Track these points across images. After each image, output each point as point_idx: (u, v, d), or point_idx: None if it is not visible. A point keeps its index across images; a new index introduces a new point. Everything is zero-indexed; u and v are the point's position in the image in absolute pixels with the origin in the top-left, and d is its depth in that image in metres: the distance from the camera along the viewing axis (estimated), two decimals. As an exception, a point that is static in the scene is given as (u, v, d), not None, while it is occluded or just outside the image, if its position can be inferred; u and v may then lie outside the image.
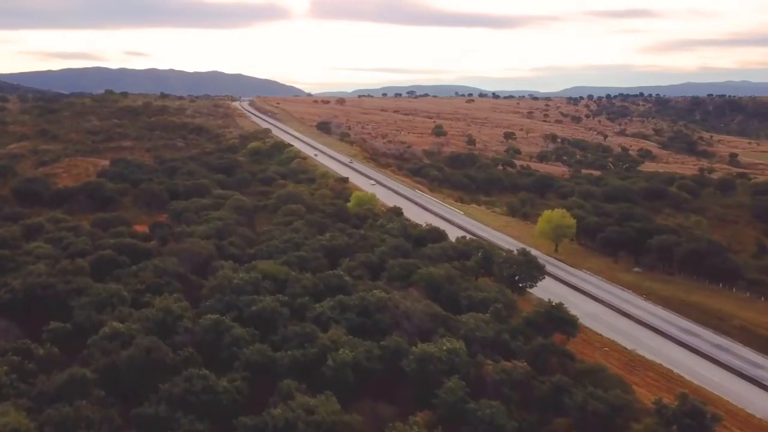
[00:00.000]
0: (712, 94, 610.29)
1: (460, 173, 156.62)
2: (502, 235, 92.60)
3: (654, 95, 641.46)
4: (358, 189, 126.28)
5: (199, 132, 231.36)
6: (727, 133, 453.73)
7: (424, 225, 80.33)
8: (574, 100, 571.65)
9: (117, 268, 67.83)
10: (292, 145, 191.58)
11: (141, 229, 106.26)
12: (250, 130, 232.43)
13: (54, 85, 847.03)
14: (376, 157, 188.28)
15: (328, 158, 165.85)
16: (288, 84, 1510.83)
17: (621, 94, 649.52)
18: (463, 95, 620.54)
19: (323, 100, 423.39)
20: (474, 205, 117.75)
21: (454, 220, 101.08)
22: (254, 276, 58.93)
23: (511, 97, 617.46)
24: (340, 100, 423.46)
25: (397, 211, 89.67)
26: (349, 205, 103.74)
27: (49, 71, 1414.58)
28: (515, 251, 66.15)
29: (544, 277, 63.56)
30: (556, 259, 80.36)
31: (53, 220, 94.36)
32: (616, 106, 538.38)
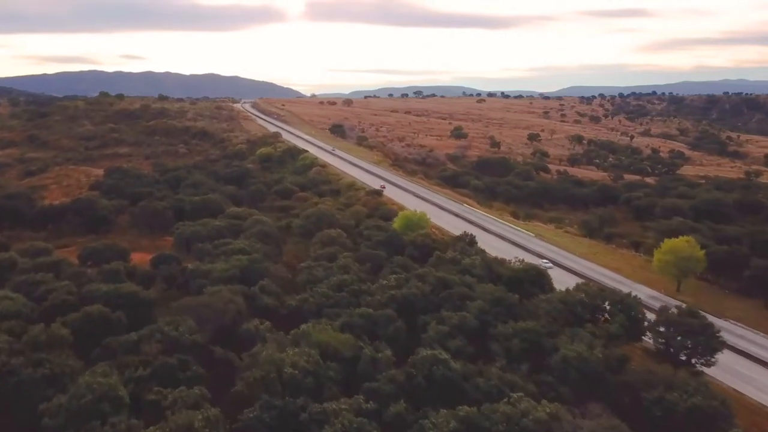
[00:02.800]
0: (728, 92, 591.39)
1: (504, 182, 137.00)
2: (595, 267, 73.53)
3: (667, 93, 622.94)
4: (394, 203, 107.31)
5: (203, 137, 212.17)
6: (747, 132, 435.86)
7: (513, 261, 61.24)
8: (587, 99, 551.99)
9: (110, 334, 48.88)
10: (308, 151, 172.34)
11: (141, 259, 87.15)
12: (257, 134, 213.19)
13: (49, 88, 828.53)
14: (401, 164, 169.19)
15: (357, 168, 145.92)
16: (285, 86, 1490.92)
17: (634, 93, 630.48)
18: (471, 95, 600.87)
19: (329, 102, 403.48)
20: (537, 223, 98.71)
21: (526, 245, 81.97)
22: (311, 354, 39.97)
23: (520, 96, 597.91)
24: (347, 101, 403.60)
25: (470, 240, 70.45)
26: (393, 225, 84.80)
27: (45, 75, 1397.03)
28: (674, 309, 47.02)
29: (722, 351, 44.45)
30: (684, 302, 61.37)
31: (31, 252, 75.16)
32: (631, 105, 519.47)
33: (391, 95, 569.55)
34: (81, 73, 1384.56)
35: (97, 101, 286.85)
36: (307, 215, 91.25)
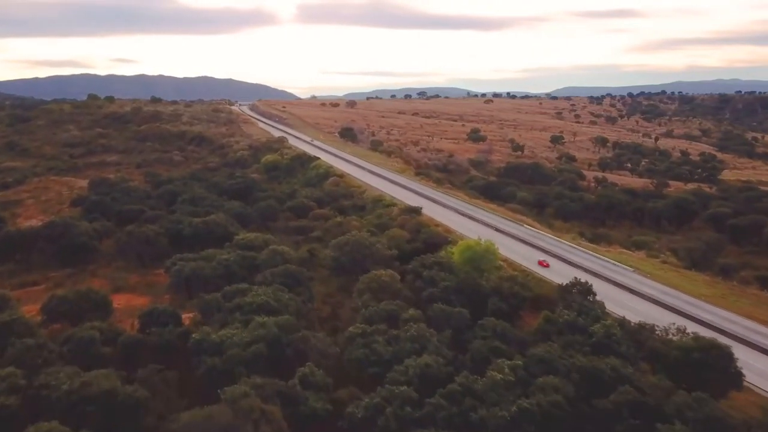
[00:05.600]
0: (740, 91, 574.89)
1: (555, 193, 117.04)
2: (738, 319, 54.33)
3: (677, 93, 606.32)
4: (438, 223, 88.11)
5: (200, 142, 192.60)
6: (763, 131, 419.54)
7: (670, 328, 42.02)
8: (596, 99, 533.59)
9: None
10: (319, 158, 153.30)
11: (128, 303, 67.96)
12: (261, 139, 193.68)
13: (41, 92, 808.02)
14: (426, 172, 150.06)
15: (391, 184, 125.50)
16: (280, 88, 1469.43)
17: (642, 92, 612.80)
18: (475, 95, 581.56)
19: (332, 103, 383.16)
20: (621, 250, 79.59)
21: (633, 285, 62.55)
22: None
23: (526, 96, 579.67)
24: (351, 103, 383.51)
25: (585, 290, 50.95)
26: (452, 257, 65.74)
27: (36, 79, 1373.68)
28: None
29: None
30: None
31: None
32: (643, 105, 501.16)
33: (393, 96, 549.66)
34: (73, 76, 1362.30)
35: (85, 104, 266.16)
36: (338, 244, 71.81)
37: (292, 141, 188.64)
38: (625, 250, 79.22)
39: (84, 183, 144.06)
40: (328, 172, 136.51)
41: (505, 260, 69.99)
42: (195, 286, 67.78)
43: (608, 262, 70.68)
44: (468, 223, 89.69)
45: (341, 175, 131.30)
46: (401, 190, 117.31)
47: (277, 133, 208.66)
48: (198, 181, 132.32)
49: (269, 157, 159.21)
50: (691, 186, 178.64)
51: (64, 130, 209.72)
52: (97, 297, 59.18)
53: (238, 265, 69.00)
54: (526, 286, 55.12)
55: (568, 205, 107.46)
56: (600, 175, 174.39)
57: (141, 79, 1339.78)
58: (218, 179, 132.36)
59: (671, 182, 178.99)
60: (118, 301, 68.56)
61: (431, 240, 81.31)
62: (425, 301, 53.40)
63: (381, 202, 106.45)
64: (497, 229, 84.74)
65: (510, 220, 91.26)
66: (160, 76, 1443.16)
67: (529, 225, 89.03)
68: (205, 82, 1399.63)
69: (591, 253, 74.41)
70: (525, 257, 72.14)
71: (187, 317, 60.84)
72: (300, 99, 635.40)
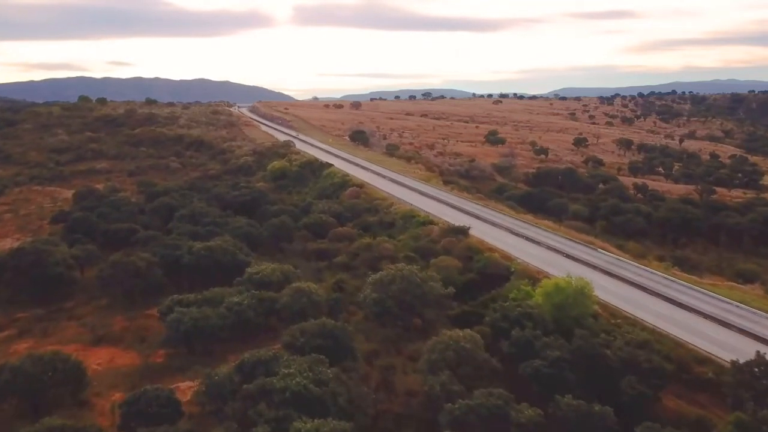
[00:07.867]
0: (754, 90, 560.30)
1: (608, 205, 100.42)
2: None
3: (687, 92, 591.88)
4: (493, 248, 72.30)
5: (199, 147, 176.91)
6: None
7: None
8: (607, 99, 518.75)
9: None
10: (333, 165, 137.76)
11: (110, 361, 52.52)
12: (265, 143, 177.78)
13: (36, 95, 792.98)
14: (454, 180, 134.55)
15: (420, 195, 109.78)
16: (276, 90, 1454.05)
17: (652, 92, 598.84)
18: (482, 96, 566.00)
19: (336, 105, 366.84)
20: (727, 282, 64.15)
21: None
22: None
23: (534, 97, 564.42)
24: (356, 104, 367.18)
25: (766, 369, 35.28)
26: (535, 298, 50.40)
27: (32, 82, 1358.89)
28: None
29: None
30: None
31: None
32: (656, 105, 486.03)
33: (397, 97, 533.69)
34: (68, 79, 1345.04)
35: (75, 107, 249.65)
36: (381, 283, 55.64)
37: (299, 145, 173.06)
38: (735, 284, 63.40)
39: (69, 194, 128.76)
40: (345, 181, 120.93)
41: (597, 303, 54.11)
42: (197, 338, 52.26)
43: (730, 303, 54.78)
44: (528, 247, 73.82)
45: (361, 185, 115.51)
46: (433, 202, 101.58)
47: (282, 137, 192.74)
48: (198, 192, 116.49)
49: (276, 164, 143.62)
50: (736, 193, 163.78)
51: (51, 135, 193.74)
52: (65, 366, 43.31)
53: (253, 311, 53.37)
54: (666, 355, 39.35)
55: (634, 220, 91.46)
56: (640, 182, 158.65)
57: (137, 82, 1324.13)
58: (220, 190, 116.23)
59: (721, 189, 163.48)
60: (99, 358, 52.92)
61: (489, 270, 65.62)
62: (526, 379, 37.57)
63: (414, 218, 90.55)
64: (568, 256, 69.01)
65: (578, 242, 75.33)
66: (156, 79, 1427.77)
67: (602, 248, 73.25)
68: (202, 84, 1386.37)
69: (700, 289, 58.47)
70: (622, 298, 56.35)
71: (188, 387, 45.41)
72: (297, 101, 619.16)
